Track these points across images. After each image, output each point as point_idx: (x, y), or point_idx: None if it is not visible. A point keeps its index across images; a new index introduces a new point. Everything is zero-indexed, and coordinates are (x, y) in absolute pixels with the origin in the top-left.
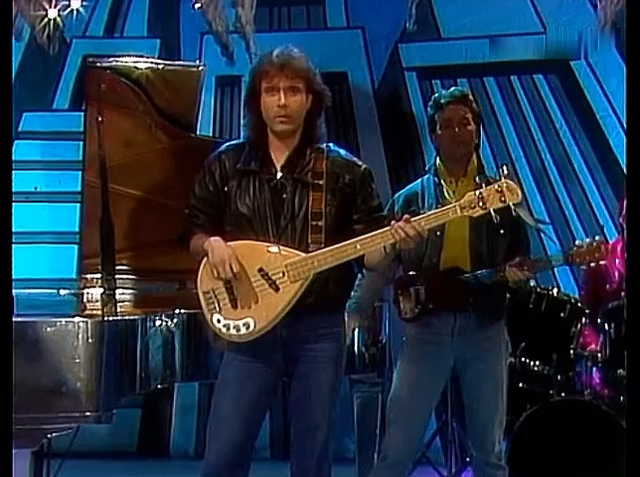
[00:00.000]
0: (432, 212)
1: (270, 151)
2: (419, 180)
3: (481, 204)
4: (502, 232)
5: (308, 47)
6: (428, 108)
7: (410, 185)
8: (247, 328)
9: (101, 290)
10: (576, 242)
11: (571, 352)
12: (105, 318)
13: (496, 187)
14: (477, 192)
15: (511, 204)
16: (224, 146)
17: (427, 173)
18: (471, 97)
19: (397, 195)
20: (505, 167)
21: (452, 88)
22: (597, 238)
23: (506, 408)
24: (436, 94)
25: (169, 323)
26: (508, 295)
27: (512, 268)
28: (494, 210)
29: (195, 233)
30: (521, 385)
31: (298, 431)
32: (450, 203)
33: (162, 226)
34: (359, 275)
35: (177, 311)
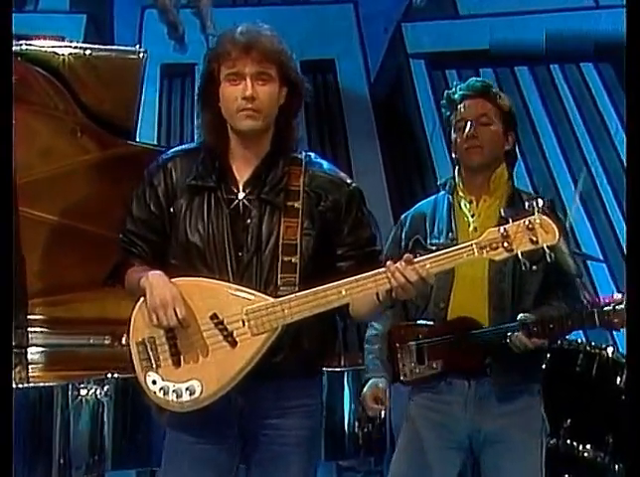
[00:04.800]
0: (442, 252)
1: (231, 161)
2: (432, 197)
3: (506, 244)
4: (534, 268)
5: (284, 26)
6: (443, 111)
7: (421, 203)
8: (192, 394)
9: None
10: (614, 296)
11: None
12: (13, 385)
13: (526, 223)
14: (501, 228)
15: (545, 246)
16: (170, 152)
17: (442, 189)
18: (496, 90)
19: (402, 217)
20: (540, 200)
21: (471, 79)
22: None
23: None
24: (451, 89)
25: (98, 391)
26: (547, 354)
27: (517, 334)
28: (523, 253)
29: (131, 264)
30: (567, 476)
31: None
32: (467, 230)
33: (90, 261)
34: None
35: (109, 375)
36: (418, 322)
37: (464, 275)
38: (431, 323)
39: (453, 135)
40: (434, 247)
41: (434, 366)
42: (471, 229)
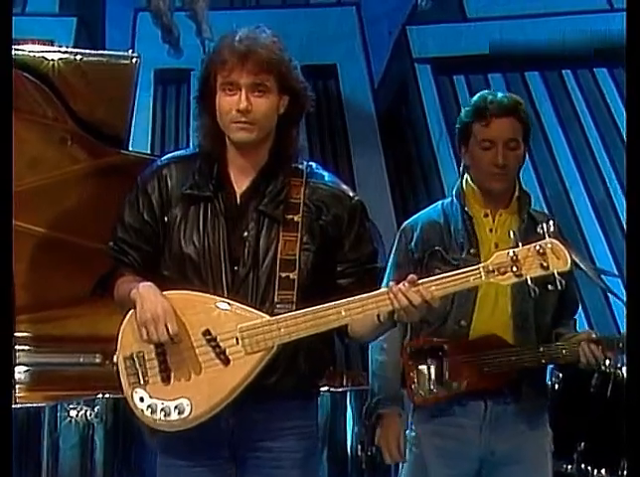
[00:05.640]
0: (449, 275)
1: (229, 170)
2: (437, 205)
3: (514, 269)
4: (550, 286)
5: (284, 30)
6: (463, 114)
7: (425, 211)
8: (180, 413)
9: None
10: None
11: None
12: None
13: (537, 247)
14: (510, 252)
15: (555, 272)
16: (165, 158)
17: (451, 198)
18: (523, 106)
19: (407, 224)
20: (551, 222)
21: (501, 95)
22: None
23: None
24: (478, 98)
25: (88, 412)
26: (559, 374)
27: (590, 345)
28: (532, 278)
29: (121, 274)
30: None
31: None
32: (490, 245)
33: (79, 275)
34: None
35: (99, 395)
36: (438, 339)
37: (487, 293)
38: (455, 340)
39: (477, 150)
40: (456, 262)
41: (454, 386)
42: (492, 244)
